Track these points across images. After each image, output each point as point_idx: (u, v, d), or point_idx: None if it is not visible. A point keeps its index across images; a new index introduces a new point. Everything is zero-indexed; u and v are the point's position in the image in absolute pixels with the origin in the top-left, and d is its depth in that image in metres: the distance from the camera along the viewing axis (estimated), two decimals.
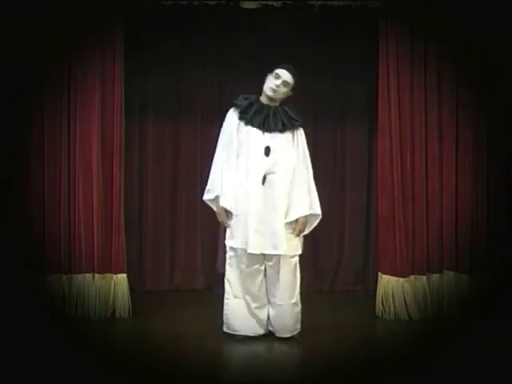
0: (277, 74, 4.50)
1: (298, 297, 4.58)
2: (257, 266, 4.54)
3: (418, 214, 5.21)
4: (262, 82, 4.55)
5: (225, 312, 4.62)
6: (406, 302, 5.16)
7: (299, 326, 4.62)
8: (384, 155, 5.19)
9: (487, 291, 5.10)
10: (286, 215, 4.49)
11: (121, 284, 5.12)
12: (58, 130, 5.10)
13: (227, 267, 4.60)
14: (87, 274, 5.10)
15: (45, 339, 4.44)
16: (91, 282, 5.10)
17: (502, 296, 4.97)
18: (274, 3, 5.30)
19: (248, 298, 4.58)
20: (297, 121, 4.55)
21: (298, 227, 4.51)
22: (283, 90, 4.51)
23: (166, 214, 6.18)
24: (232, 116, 4.58)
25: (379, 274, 5.25)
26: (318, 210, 4.55)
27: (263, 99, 4.56)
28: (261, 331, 4.64)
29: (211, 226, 6.07)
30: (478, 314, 4.97)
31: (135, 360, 4.17)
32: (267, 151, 4.47)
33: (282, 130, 4.52)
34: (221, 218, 4.56)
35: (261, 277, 4.58)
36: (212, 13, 5.44)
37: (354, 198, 6.25)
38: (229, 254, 4.59)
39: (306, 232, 4.58)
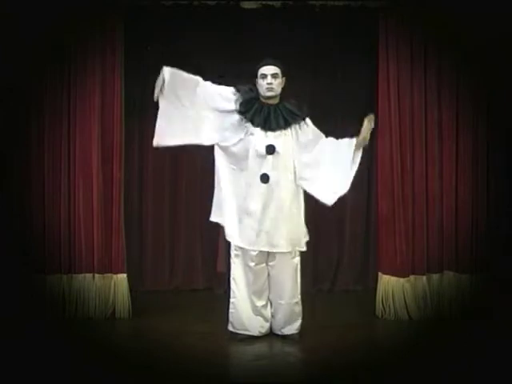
0: (262, 74, 4.51)
1: (299, 296, 4.60)
2: (263, 265, 4.56)
3: (417, 214, 5.21)
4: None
5: (231, 311, 4.62)
6: (406, 301, 5.16)
7: (300, 325, 4.63)
8: (384, 155, 5.19)
9: (487, 291, 5.10)
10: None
11: (121, 284, 5.13)
12: (57, 130, 5.11)
13: (232, 266, 4.60)
14: (87, 274, 5.11)
15: (45, 339, 4.44)
16: (91, 282, 5.11)
17: (502, 296, 4.97)
18: (274, 3, 5.31)
19: (253, 297, 4.58)
20: (298, 115, 4.55)
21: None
22: (276, 82, 4.50)
23: (166, 214, 6.17)
24: (230, 94, 4.54)
25: (379, 273, 5.25)
26: None
27: (263, 99, 4.56)
28: (264, 330, 4.64)
29: (211, 226, 6.03)
30: (478, 314, 4.97)
31: (135, 360, 4.18)
32: (271, 150, 4.46)
33: (285, 126, 4.51)
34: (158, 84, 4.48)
35: (265, 275, 4.59)
36: (212, 13, 5.45)
37: (354, 197, 6.22)
38: (234, 252, 4.59)
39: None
